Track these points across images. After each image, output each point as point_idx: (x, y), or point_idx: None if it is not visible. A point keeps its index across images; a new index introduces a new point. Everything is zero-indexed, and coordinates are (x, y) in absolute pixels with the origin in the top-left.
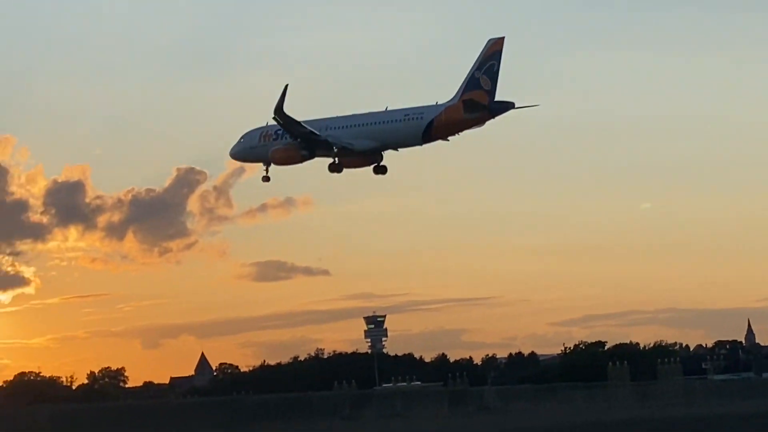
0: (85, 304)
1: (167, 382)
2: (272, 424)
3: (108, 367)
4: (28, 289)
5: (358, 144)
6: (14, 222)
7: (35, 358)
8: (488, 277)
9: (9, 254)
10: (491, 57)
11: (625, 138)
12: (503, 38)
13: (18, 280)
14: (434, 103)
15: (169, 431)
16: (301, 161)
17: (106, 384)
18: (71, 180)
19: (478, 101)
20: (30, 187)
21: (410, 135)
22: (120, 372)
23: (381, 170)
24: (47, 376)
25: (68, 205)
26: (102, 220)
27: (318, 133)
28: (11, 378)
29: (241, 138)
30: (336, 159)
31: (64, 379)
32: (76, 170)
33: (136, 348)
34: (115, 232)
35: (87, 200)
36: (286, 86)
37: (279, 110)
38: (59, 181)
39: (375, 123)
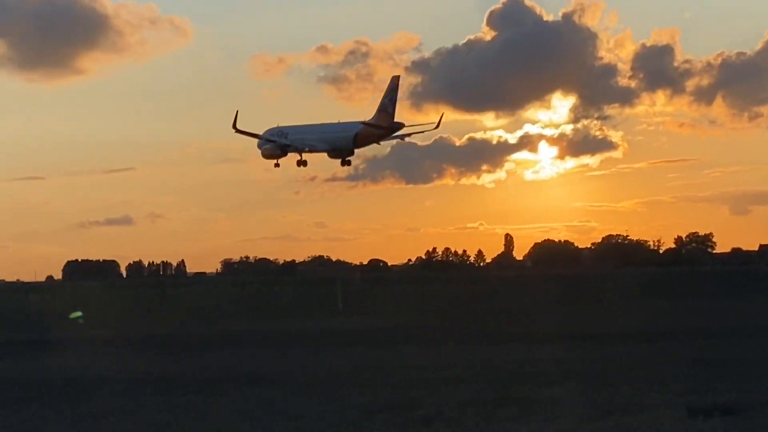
0: (671, 169)
1: (756, 248)
2: None
3: (695, 233)
4: (616, 154)
5: (320, 146)
6: (602, 86)
7: (622, 222)
8: None
9: (597, 118)
10: (393, 89)
11: None
12: (399, 76)
13: (606, 144)
14: (362, 120)
15: (762, 299)
16: (279, 158)
17: (694, 249)
18: (660, 44)
19: (381, 124)
20: (618, 51)
21: (346, 142)
22: (707, 237)
23: (347, 163)
24: (634, 239)
25: (656, 69)
26: (690, 84)
27: (276, 140)
28: (599, 240)
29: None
30: (301, 156)
31: (651, 243)
32: (665, 34)
33: (724, 214)
34: (704, 96)
35: (675, 64)
36: (237, 112)
37: (234, 129)
38: (648, 45)
39: (328, 131)
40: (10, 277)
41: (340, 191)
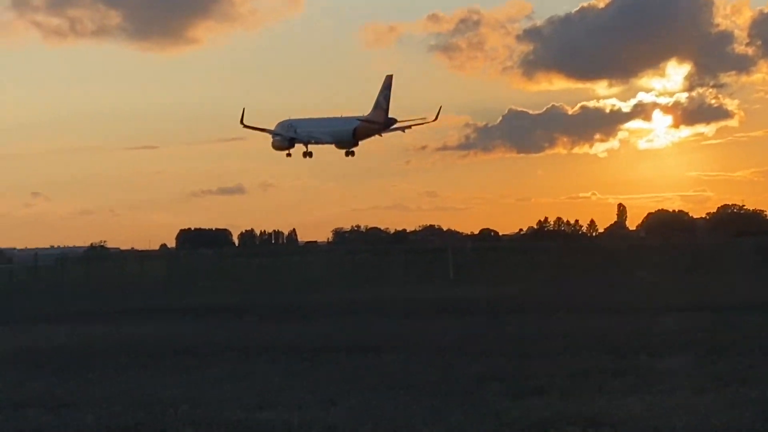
0: None
1: None
2: None
3: None
4: (732, 122)
5: (324, 138)
6: (718, 54)
7: (738, 191)
8: None
9: (712, 87)
10: (387, 87)
11: None
12: (392, 75)
13: (721, 113)
14: (360, 115)
15: None
16: (288, 149)
17: None
18: None
19: (376, 120)
20: (735, 18)
21: (346, 136)
22: None
23: (350, 153)
24: (750, 209)
25: None
26: None
27: (284, 133)
28: (714, 210)
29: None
30: (307, 147)
31: (767, 213)
32: None
33: None
34: None
35: None
36: (243, 109)
37: (242, 124)
38: (765, 11)
39: (331, 126)
40: (125, 246)
41: (451, 160)
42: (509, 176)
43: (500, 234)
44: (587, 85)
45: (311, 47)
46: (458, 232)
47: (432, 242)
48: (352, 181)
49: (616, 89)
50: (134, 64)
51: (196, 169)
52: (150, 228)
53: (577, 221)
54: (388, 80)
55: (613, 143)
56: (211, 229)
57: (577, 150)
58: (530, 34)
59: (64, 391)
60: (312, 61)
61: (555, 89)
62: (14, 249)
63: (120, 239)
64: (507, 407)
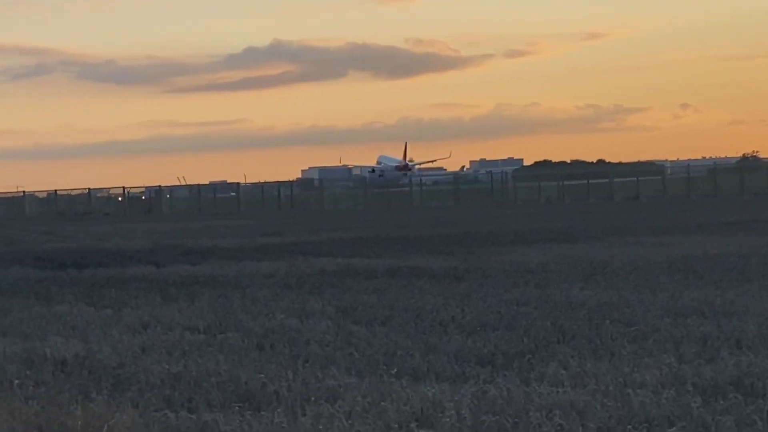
0: None
1: None
2: None
3: None
4: None
5: (387, 168)
6: None
7: None
8: None
9: None
10: (405, 151)
11: None
12: (407, 142)
13: None
14: (399, 159)
15: None
16: (381, 177)
17: None
18: None
19: (406, 162)
20: None
21: (394, 169)
22: None
23: (405, 175)
24: None
25: None
26: None
27: (373, 166)
28: None
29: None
30: (383, 173)
31: None
32: None
33: None
34: None
35: None
36: (339, 158)
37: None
38: None
39: (390, 161)
40: None
41: None
42: None
43: None
44: None
45: None
46: None
47: None
48: None
49: None
50: None
51: None
52: None
53: None
54: (405, 145)
55: None
56: None
57: None
58: None
59: (723, 300)
60: None
61: None
62: (666, 161)
63: None
64: None
